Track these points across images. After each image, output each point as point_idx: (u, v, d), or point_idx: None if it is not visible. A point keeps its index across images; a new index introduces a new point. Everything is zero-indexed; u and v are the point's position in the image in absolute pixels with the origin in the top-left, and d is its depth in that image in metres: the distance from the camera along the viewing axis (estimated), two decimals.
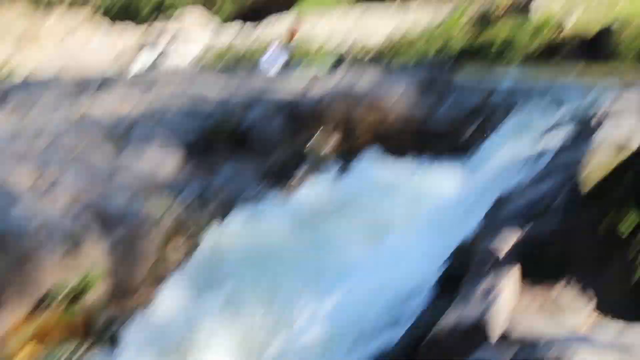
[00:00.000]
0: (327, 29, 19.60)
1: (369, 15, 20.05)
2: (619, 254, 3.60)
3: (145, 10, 24.26)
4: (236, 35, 18.67)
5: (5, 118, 7.37)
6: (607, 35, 12.43)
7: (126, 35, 21.38)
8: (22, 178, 5.55)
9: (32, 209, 4.98)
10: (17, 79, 13.22)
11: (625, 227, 3.58)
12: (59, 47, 18.28)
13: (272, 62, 12.40)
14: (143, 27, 22.18)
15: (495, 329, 3.31)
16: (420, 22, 17.69)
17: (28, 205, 5.02)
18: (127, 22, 22.57)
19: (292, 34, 13.50)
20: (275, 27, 18.89)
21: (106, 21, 21.48)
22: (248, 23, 20.23)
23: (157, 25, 22.45)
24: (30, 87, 9.50)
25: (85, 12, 20.62)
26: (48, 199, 5.26)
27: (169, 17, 22.82)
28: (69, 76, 11.14)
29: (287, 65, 12.58)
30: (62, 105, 8.08)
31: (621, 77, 9.49)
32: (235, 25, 20.68)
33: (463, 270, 4.12)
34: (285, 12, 21.60)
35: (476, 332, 3.35)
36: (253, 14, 22.93)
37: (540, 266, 3.81)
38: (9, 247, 4.58)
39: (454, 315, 3.57)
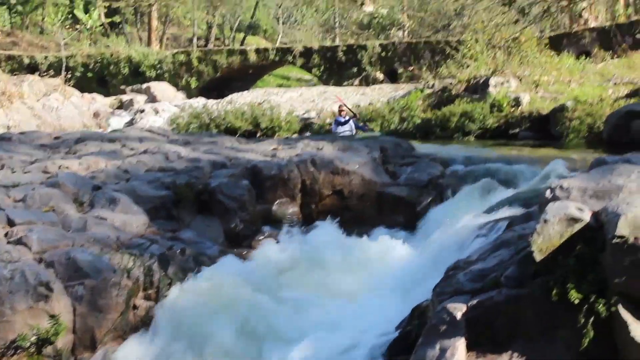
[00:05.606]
0: (294, 96, 20.19)
1: (334, 89, 20.87)
2: (569, 321, 3.72)
3: (115, 81, 25.34)
4: (205, 104, 19.21)
5: None
6: (559, 115, 13.18)
7: (100, 100, 21.98)
8: None
9: (4, 259, 5.06)
10: None
11: (576, 295, 3.68)
12: (36, 106, 18.50)
13: (341, 127, 13.39)
14: (114, 96, 22.92)
15: None
16: (383, 96, 18.40)
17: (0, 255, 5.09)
18: (98, 92, 23.55)
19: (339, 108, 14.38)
20: (240, 100, 19.56)
21: (77, 91, 22.25)
22: (211, 100, 21.15)
23: (128, 93, 23.24)
24: (7, 142, 9.57)
25: (57, 82, 21.17)
26: (19, 249, 5.31)
27: (137, 90, 23.77)
28: (46, 133, 11.31)
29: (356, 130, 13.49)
30: (37, 160, 8.18)
31: (572, 154, 9.99)
32: (200, 100, 21.63)
33: (416, 334, 4.24)
34: (245, 90, 22.81)
35: None
36: (215, 91, 24.24)
37: (490, 333, 3.93)
38: None
39: None
